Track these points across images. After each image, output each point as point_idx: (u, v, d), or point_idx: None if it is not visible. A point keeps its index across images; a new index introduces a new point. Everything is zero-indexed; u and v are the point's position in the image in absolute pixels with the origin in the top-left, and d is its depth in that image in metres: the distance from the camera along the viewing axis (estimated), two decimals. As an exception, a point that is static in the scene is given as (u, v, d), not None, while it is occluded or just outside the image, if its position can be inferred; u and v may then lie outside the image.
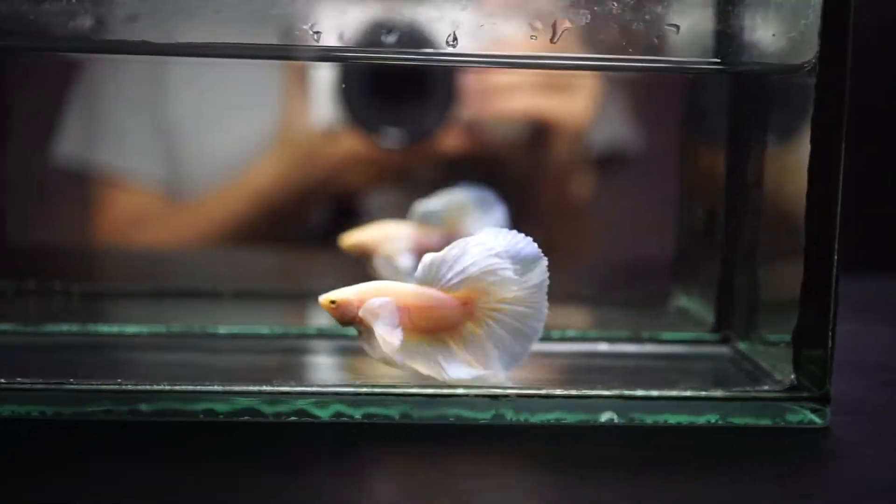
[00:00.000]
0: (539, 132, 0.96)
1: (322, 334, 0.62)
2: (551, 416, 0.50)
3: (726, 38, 0.55)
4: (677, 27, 0.52)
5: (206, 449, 0.47)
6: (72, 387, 0.49)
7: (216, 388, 0.49)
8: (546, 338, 0.61)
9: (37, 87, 0.99)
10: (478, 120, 0.96)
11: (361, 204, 0.99)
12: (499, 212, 0.63)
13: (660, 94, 0.73)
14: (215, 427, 0.49)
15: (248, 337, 0.61)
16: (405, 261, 0.62)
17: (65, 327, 0.61)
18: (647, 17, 0.51)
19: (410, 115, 0.89)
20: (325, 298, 0.50)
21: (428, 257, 0.50)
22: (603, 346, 0.62)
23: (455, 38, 0.52)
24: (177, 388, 0.49)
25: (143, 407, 0.48)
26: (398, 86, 0.87)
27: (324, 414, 0.49)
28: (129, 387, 0.49)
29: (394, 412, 0.49)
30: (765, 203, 0.58)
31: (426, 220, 0.62)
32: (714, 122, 0.64)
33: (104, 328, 0.61)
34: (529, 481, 0.45)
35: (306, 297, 0.67)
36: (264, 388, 0.49)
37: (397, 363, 0.49)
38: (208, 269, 0.87)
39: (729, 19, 0.54)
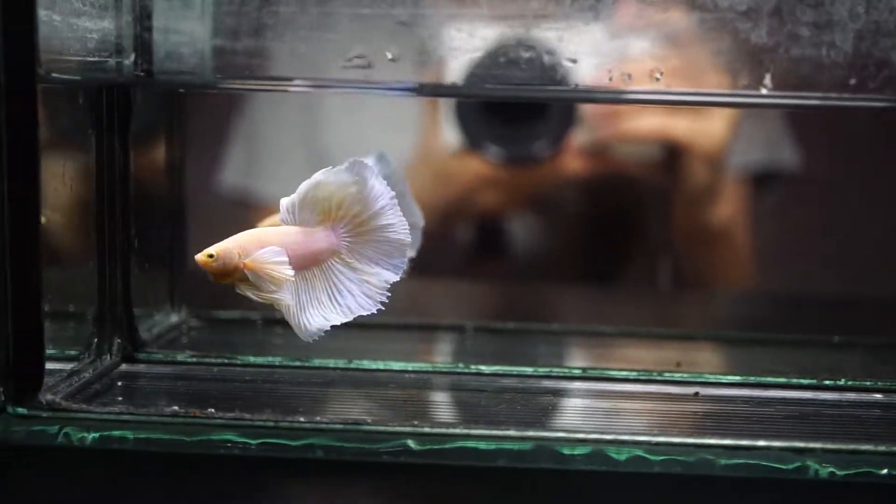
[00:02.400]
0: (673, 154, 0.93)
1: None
2: (860, 471, 0.48)
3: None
4: None
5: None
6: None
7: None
8: (818, 386, 0.60)
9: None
10: (604, 141, 0.93)
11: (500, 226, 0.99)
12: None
13: None
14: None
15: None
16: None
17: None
18: None
19: (527, 135, 0.88)
20: (202, 255, 0.49)
21: (286, 200, 0.49)
22: (878, 396, 0.59)
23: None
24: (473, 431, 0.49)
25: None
26: (516, 105, 0.87)
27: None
28: (427, 429, 0.49)
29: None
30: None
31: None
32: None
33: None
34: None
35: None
36: (560, 434, 0.49)
37: (285, 300, 0.49)
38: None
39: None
